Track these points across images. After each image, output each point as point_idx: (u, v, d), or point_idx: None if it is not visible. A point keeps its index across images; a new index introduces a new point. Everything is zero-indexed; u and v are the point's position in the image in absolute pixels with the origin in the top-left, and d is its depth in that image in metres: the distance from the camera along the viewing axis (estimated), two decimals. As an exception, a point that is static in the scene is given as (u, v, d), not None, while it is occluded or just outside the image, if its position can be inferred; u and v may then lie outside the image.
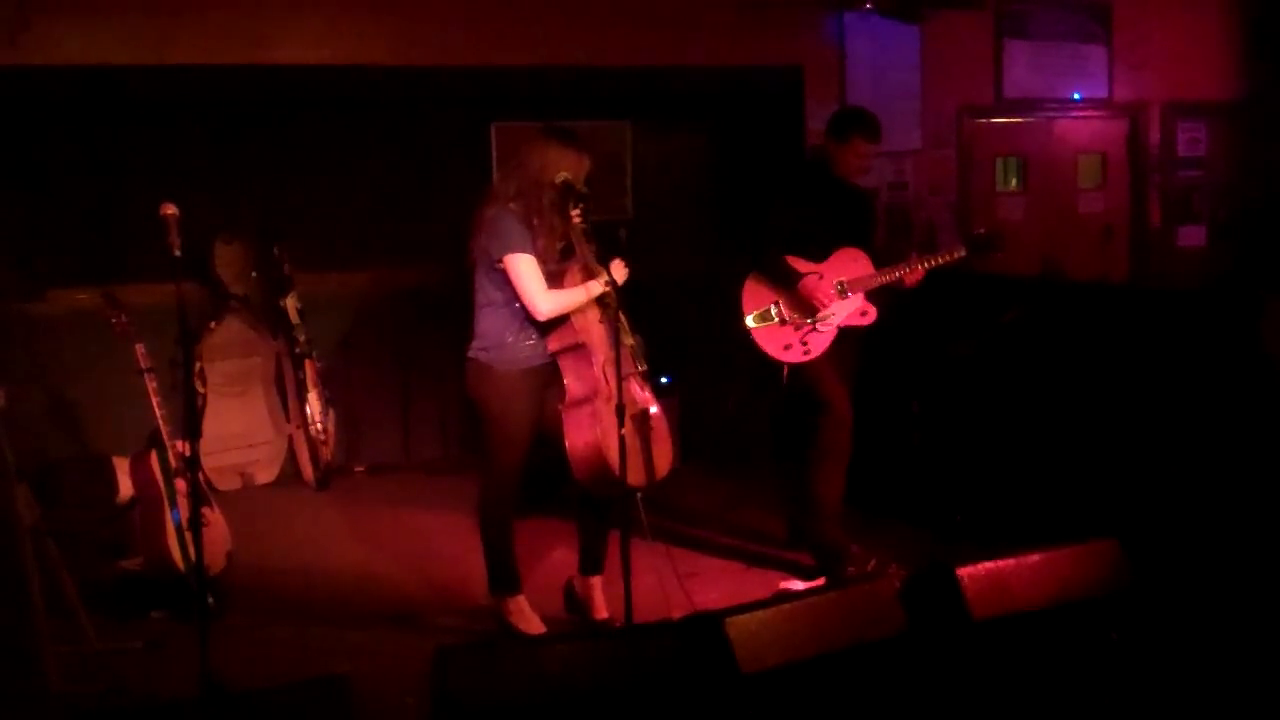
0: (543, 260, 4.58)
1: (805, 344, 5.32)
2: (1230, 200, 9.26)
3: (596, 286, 4.56)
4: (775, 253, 5.34)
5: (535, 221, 4.56)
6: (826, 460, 5.40)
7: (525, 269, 4.51)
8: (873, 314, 5.44)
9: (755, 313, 5.34)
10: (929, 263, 5.41)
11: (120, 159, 6.77)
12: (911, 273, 5.39)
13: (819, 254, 5.40)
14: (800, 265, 5.35)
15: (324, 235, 7.20)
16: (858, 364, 5.58)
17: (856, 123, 5.53)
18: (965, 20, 8.15)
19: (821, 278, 5.34)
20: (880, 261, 5.46)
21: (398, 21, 6.85)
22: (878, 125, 5.54)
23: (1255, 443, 4.95)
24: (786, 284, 5.32)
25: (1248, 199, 9.18)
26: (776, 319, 5.33)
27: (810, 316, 5.33)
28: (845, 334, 5.42)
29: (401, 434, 7.48)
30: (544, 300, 4.52)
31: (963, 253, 5.46)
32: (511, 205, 4.59)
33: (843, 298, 5.37)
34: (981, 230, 5.64)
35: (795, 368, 5.38)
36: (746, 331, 5.34)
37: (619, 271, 4.60)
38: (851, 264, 5.42)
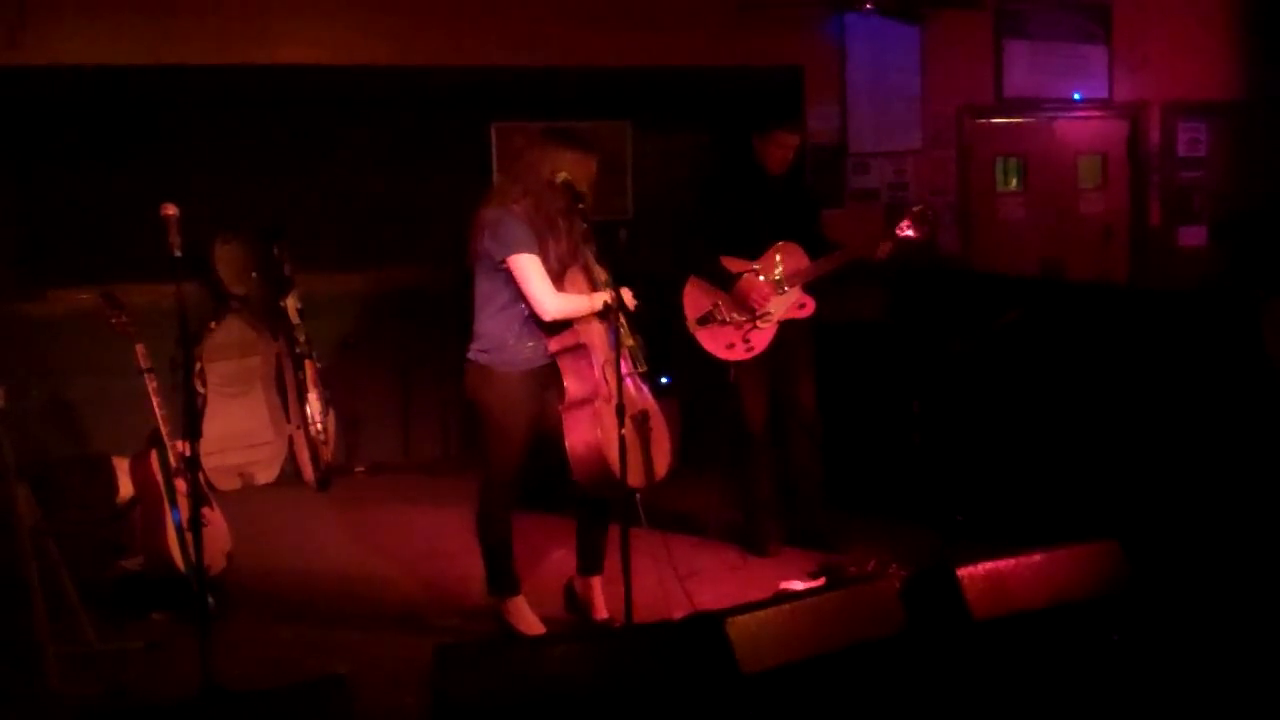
0: (557, 262, 4.58)
1: (748, 341, 5.48)
2: (1230, 200, 9.26)
3: (600, 299, 4.55)
4: (710, 255, 5.48)
5: (559, 223, 4.56)
6: (752, 468, 5.67)
7: (531, 269, 4.51)
8: (811, 306, 5.58)
9: (697, 315, 5.50)
10: (867, 251, 5.46)
11: (120, 159, 6.76)
12: (872, 251, 5.45)
13: (754, 250, 5.52)
14: (735, 265, 5.48)
15: (324, 235, 7.19)
16: (811, 352, 5.69)
17: (774, 114, 5.65)
18: (965, 20, 8.16)
19: (757, 275, 5.47)
20: (824, 251, 5.53)
21: (398, 21, 6.85)
22: (796, 115, 5.70)
23: (1255, 443, 4.95)
24: (723, 285, 5.46)
25: (1248, 199, 9.18)
26: (718, 320, 5.47)
27: (750, 314, 5.44)
28: (790, 326, 5.53)
29: (401, 434, 7.48)
30: (552, 300, 4.52)
31: (898, 234, 5.47)
32: (515, 207, 4.58)
33: (780, 293, 5.50)
34: (916, 208, 5.65)
35: (738, 371, 5.52)
36: (691, 334, 5.49)
37: (628, 299, 4.59)
38: (787, 258, 5.53)
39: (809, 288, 5.57)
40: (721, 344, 5.49)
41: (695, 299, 5.52)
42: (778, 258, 5.53)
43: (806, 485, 5.76)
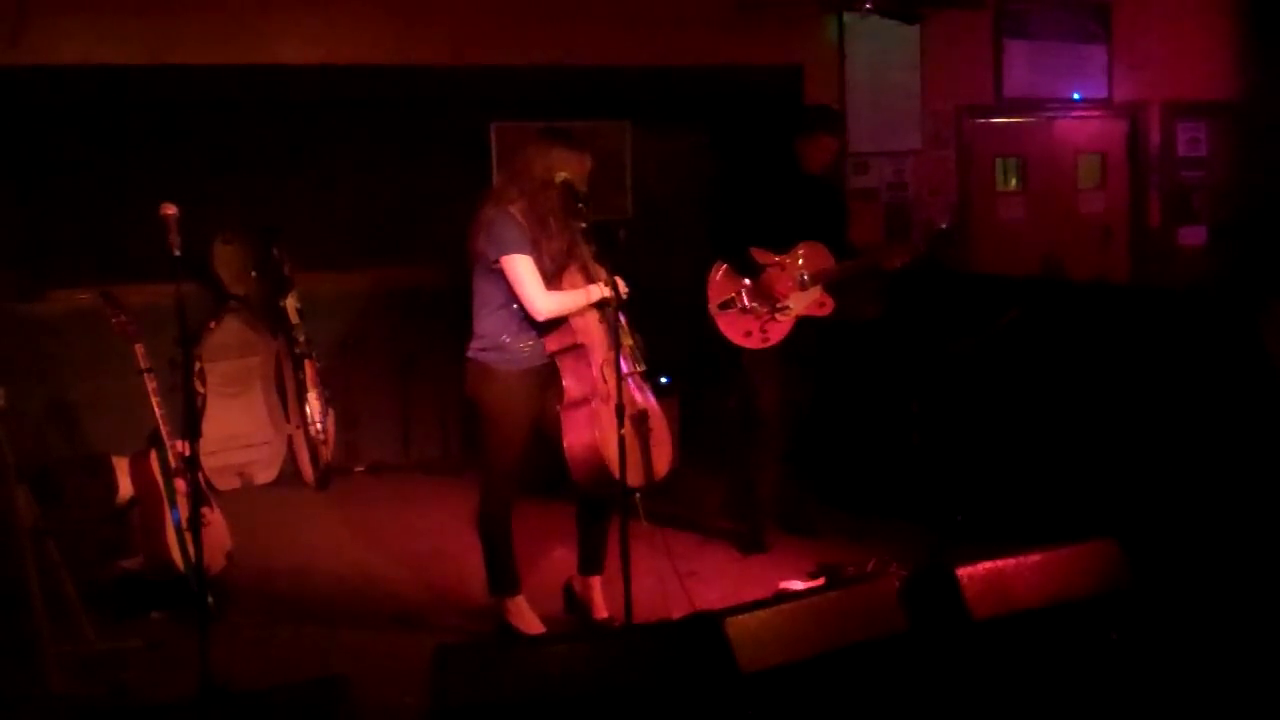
0: (550, 262, 4.58)
1: (765, 331, 5.61)
2: (1230, 200, 9.26)
3: (597, 291, 4.55)
4: (740, 244, 5.60)
5: (551, 223, 4.56)
6: (759, 457, 5.76)
7: (523, 269, 4.51)
8: (830, 305, 5.71)
9: (720, 300, 5.62)
10: (888, 260, 5.64)
11: (120, 159, 6.76)
12: (888, 260, 5.64)
13: (783, 245, 5.64)
14: (763, 257, 5.61)
15: (324, 235, 7.19)
16: (817, 351, 5.82)
17: (820, 118, 5.88)
18: (965, 20, 8.16)
19: (783, 269, 5.59)
20: (848, 254, 5.71)
21: (398, 21, 6.85)
22: (841, 120, 5.97)
23: (1255, 443, 4.95)
24: (750, 274, 5.59)
25: (1248, 199, 9.18)
26: (739, 307, 5.59)
27: (771, 306, 5.56)
28: (804, 323, 5.65)
29: (401, 434, 7.48)
30: (543, 300, 4.52)
31: (922, 249, 5.73)
32: (512, 208, 4.58)
33: (802, 289, 5.62)
34: (943, 225, 5.79)
35: (750, 359, 5.62)
36: (711, 317, 5.61)
37: (620, 288, 4.55)
38: (813, 256, 5.67)
39: (829, 288, 5.66)
40: (740, 331, 5.60)
41: (720, 284, 5.63)
42: (803, 255, 5.65)
43: (792, 479, 5.91)
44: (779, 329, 5.60)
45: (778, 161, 5.80)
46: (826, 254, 5.66)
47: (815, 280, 5.63)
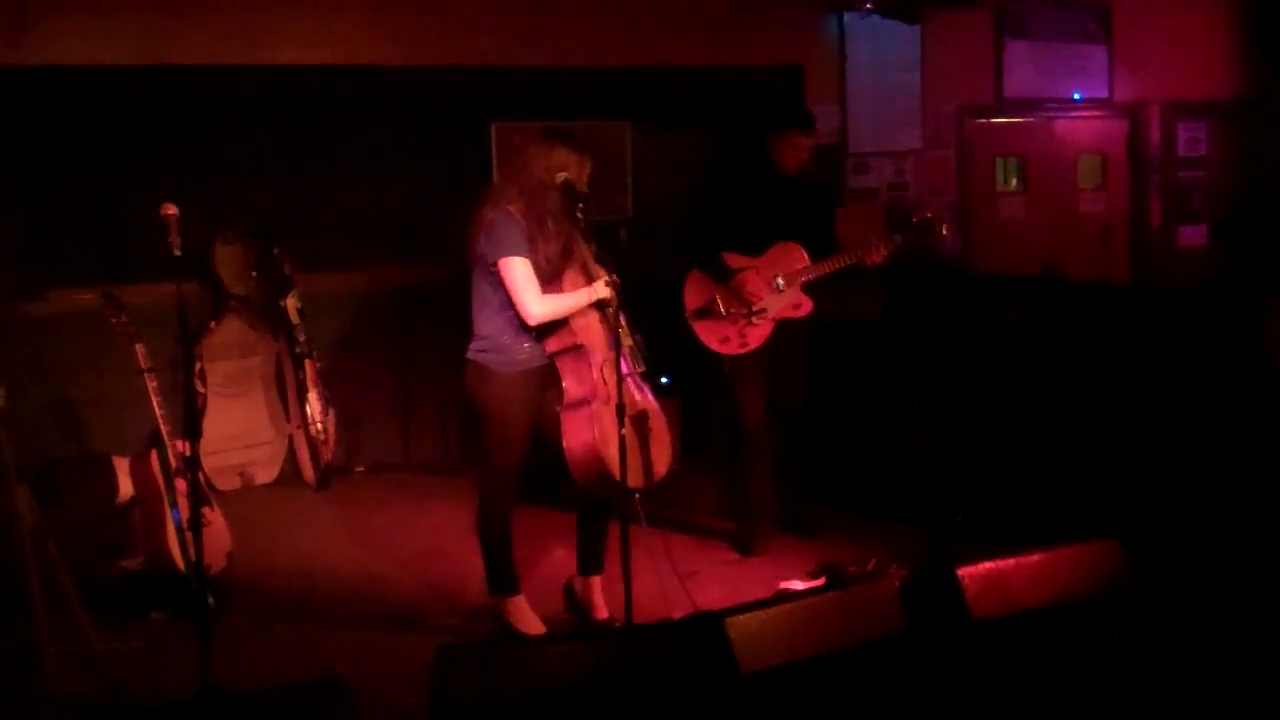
0: (547, 263, 4.58)
1: (743, 336, 5.55)
2: (1230, 200, 9.26)
3: (594, 292, 4.55)
4: (713, 249, 5.56)
5: (549, 224, 4.56)
6: (747, 465, 5.71)
7: (519, 272, 4.51)
8: (807, 306, 5.63)
9: (696, 307, 5.59)
10: (863, 256, 5.48)
11: (120, 159, 6.76)
12: (868, 255, 5.47)
13: (757, 248, 5.58)
14: (736, 261, 5.56)
15: (324, 235, 7.19)
16: (807, 348, 5.78)
17: (790, 116, 5.75)
18: (965, 20, 8.16)
19: (757, 272, 5.53)
20: (831, 253, 5.57)
21: (398, 21, 6.85)
22: (811, 119, 5.76)
23: (1255, 443, 4.95)
24: (723, 279, 5.53)
25: (1248, 199, 9.18)
26: (715, 313, 5.54)
27: (746, 310, 5.51)
28: (786, 325, 5.60)
29: (401, 434, 7.48)
30: (536, 305, 4.51)
31: (898, 240, 5.52)
32: (511, 207, 4.58)
33: (777, 292, 5.55)
34: (928, 215, 5.70)
35: (733, 368, 5.59)
36: (688, 324, 5.58)
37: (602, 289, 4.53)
38: (786, 258, 5.59)
39: (808, 288, 5.60)
40: (717, 337, 5.56)
41: (695, 291, 5.60)
42: (776, 257, 5.57)
43: (790, 479, 5.89)
44: (758, 333, 5.53)
45: (753, 164, 5.71)
46: (801, 254, 5.56)
47: (789, 281, 5.54)
